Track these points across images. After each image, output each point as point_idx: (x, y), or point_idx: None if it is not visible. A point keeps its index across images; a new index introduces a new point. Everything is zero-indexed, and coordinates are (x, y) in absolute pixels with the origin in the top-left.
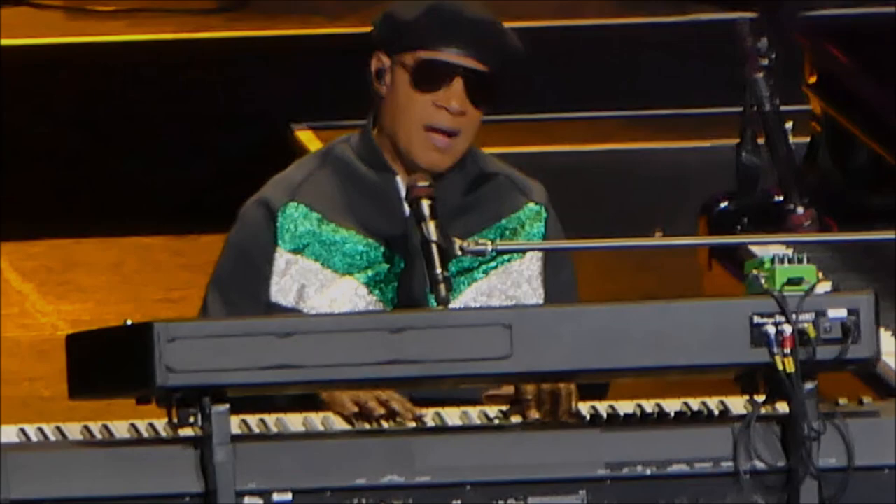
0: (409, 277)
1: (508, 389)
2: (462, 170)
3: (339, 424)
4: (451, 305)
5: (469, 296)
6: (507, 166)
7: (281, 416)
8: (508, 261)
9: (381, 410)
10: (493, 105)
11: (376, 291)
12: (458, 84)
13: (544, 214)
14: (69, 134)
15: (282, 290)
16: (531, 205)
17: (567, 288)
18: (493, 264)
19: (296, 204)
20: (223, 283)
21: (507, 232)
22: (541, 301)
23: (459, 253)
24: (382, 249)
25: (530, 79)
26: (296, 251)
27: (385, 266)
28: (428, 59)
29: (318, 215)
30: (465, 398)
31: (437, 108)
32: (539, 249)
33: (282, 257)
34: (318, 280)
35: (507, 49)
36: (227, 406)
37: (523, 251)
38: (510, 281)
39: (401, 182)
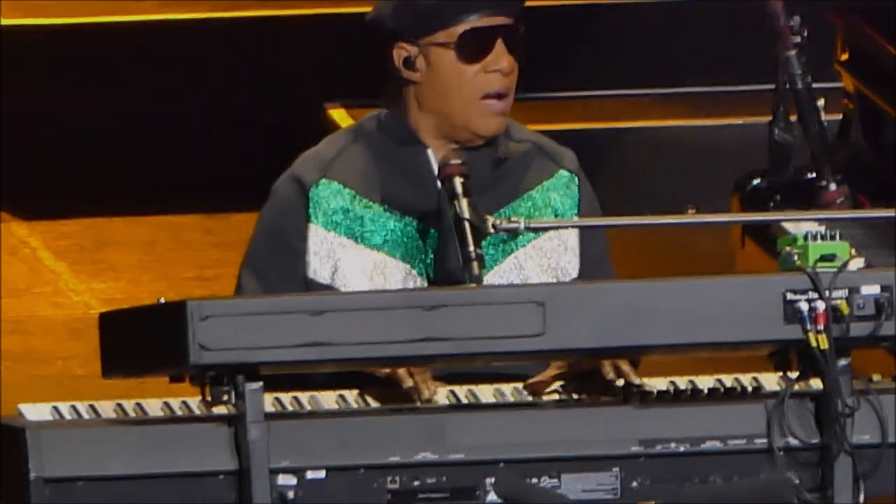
0: (444, 252)
1: (549, 374)
2: (491, 141)
3: (374, 402)
4: (489, 276)
5: (507, 266)
6: (535, 134)
7: (314, 393)
8: (543, 233)
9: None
10: (525, 54)
11: (411, 266)
12: (500, 45)
13: (576, 182)
14: (101, 113)
15: (317, 267)
16: (562, 171)
17: (600, 259)
18: (528, 236)
19: (328, 181)
20: (257, 261)
21: (541, 202)
22: (576, 272)
23: (492, 231)
24: (416, 224)
25: (564, 56)
26: (329, 227)
27: (419, 241)
28: (468, 31)
29: (351, 192)
30: (505, 374)
31: (488, 74)
32: (572, 226)
33: (315, 234)
34: (352, 256)
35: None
36: (261, 384)
37: (556, 228)
38: (546, 251)
39: (433, 156)
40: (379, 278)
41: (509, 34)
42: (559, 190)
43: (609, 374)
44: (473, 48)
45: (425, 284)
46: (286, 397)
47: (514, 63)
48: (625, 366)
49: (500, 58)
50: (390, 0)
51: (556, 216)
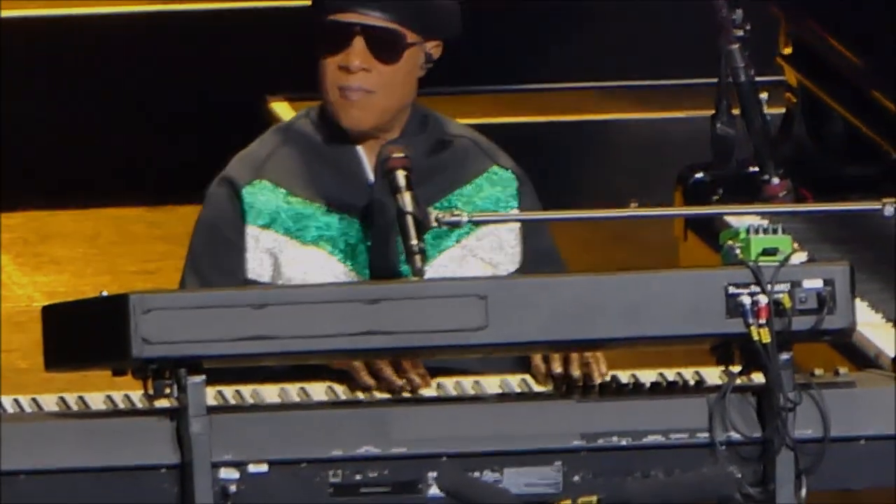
0: (379, 247)
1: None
2: (422, 134)
3: (317, 395)
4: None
5: (441, 262)
6: (472, 131)
7: (257, 387)
8: (480, 227)
9: (400, 381)
10: (406, 61)
11: (348, 262)
12: (358, 43)
13: (515, 181)
14: (44, 105)
15: (256, 266)
16: (496, 168)
17: (547, 254)
18: (465, 231)
19: (260, 181)
20: (199, 262)
21: (473, 195)
22: (516, 267)
23: (435, 224)
24: (350, 220)
25: (505, 50)
26: (264, 226)
27: (354, 237)
28: (325, 23)
29: (284, 191)
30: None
31: (341, 70)
32: (515, 220)
33: (251, 234)
34: (289, 252)
35: (412, 2)
36: (203, 377)
37: (499, 222)
38: (483, 246)
39: (363, 152)
40: (317, 274)
41: (376, 35)
42: (494, 186)
43: (556, 368)
44: (327, 42)
45: (363, 278)
46: (228, 391)
47: (375, 63)
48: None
49: (351, 55)
50: None
51: (490, 212)
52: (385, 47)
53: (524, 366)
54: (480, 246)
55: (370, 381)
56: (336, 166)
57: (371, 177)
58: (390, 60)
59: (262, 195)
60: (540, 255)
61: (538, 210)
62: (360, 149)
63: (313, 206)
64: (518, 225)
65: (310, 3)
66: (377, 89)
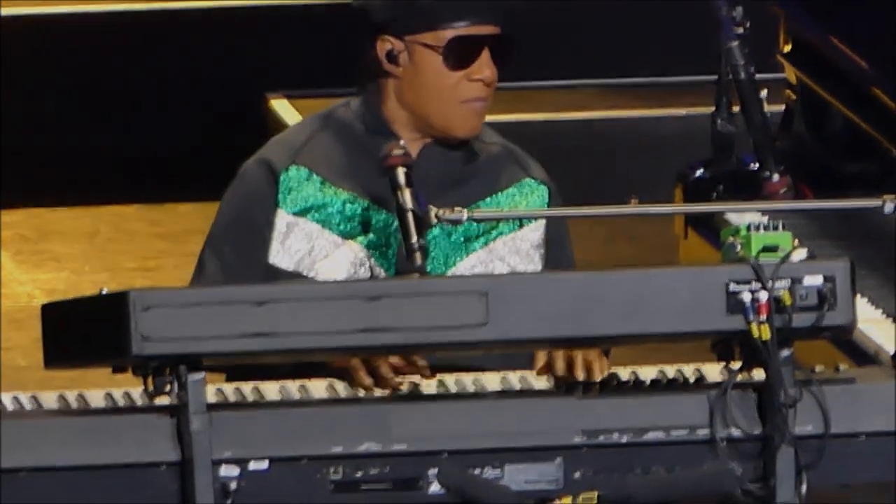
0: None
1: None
2: (464, 141)
3: (318, 392)
4: (452, 274)
5: (469, 265)
6: (506, 140)
7: (257, 383)
8: (508, 232)
9: (398, 380)
10: (512, 62)
11: (377, 256)
12: (486, 54)
13: (546, 193)
14: (43, 102)
15: (282, 254)
16: (528, 180)
17: (566, 263)
18: (493, 234)
19: (297, 167)
20: (220, 242)
21: (503, 204)
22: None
23: (435, 221)
24: (383, 213)
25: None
26: (297, 214)
27: (386, 230)
28: (456, 38)
29: (320, 178)
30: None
31: (471, 82)
32: (516, 217)
33: (283, 220)
34: (320, 243)
35: (512, 6)
36: (203, 374)
37: (500, 219)
38: (508, 251)
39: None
40: (345, 266)
41: (496, 44)
42: (525, 197)
43: (559, 370)
44: (460, 55)
45: (387, 274)
46: (229, 388)
47: (496, 73)
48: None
49: (484, 67)
50: None
51: (520, 224)
52: (504, 57)
53: (528, 362)
54: (507, 251)
55: (367, 381)
56: (374, 158)
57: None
58: (504, 67)
59: (297, 180)
60: (558, 266)
61: (565, 226)
62: (402, 143)
63: (349, 197)
64: (542, 235)
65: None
66: (490, 97)
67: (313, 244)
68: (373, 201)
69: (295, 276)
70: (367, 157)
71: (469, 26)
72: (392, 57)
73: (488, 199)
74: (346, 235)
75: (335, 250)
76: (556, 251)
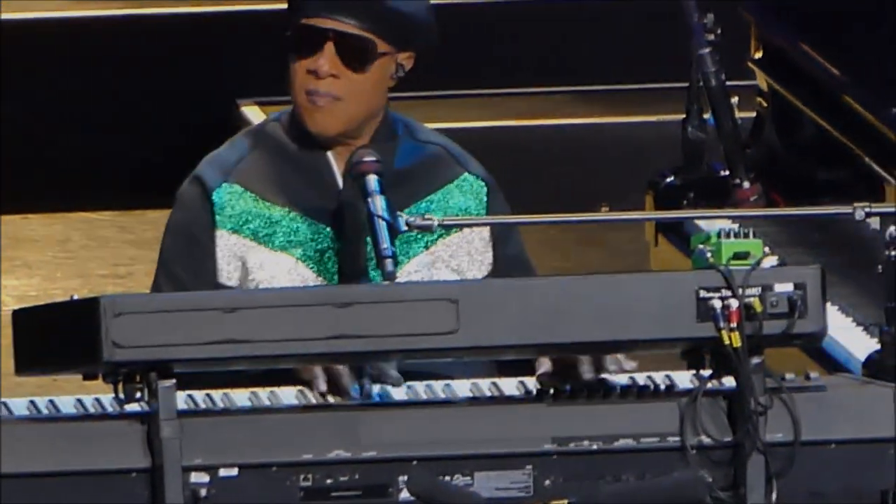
0: (348, 252)
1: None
2: (392, 140)
3: (288, 399)
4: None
5: (411, 268)
6: (443, 137)
7: (227, 391)
8: (451, 233)
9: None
10: (376, 70)
11: (314, 267)
12: (329, 49)
13: (484, 188)
14: (14, 110)
15: (225, 270)
16: (467, 175)
17: (517, 259)
18: (434, 236)
19: (230, 185)
20: (171, 264)
21: (442, 203)
22: (484, 274)
23: (406, 228)
24: (319, 226)
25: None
26: (233, 230)
27: (323, 242)
28: (298, 26)
29: (253, 195)
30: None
31: (309, 74)
32: (484, 224)
33: (221, 237)
34: (257, 257)
35: (386, 13)
36: (174, 381)
37: (469, 226)
38: (451, 252)
39: (331, 157)
40: (284, 280)
41: (347, 42)
42: (464, 194)
43: (586, 372)
44: (298, 45)
45: (332, 284)
46: (199, 395)
47: (344, 70)
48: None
49: (320, 61)
50: None
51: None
52: (355, 55)
53: (502, 369)
54: (450, 253)
55: (322, 388)
56: (306, 171)
57: (340, 183)
58: (360, 69)
59: (231, 198)
60: (510, 261)
61: (506, 214)
62: (329, 154)
63: (282, 211)
64: (488, 232)
65: (286, 5)
66: (345, 96)
67: (252, 259)
68: (307, 214)
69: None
70: (299, 170)
71: (318, 18)
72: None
73: (429, 197)
74: (284, 249)
75: (274, 264)
76: (504, 247)
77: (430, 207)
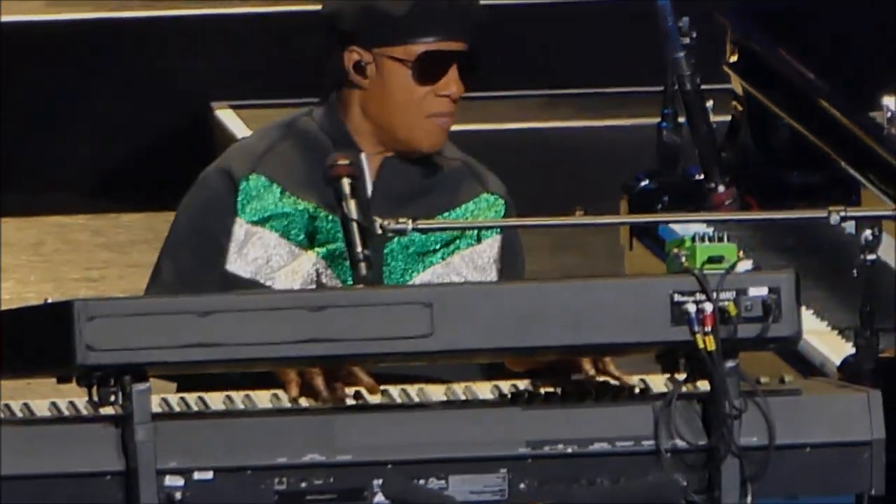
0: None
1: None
2: (425, 155)
3: (262, 402)
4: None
5: (423, 279)
6: (465, 154)
7: (202, 394)
8: (466, 247)
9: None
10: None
11: (335, 267)
12: (453, 70)
13: (502, 207)
14: None
15: (240, 262)
16: (486, 195)
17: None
18: (451, 249)
19: (257, 175)
20: (177, 248)
21: (461, 219)
22: None
23: (380, 232)
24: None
25: None
26: (257, 223)
27: (344, 242)
28: (426, 52)
29: (280, 188)
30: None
31: (438, 97)
32: (463, 228)
33: (241, 228)
34: (280, 253)
35: (480, 23)
36: (148, 384)
37: (445, 230)
38: (466, 266)
39: (365, 160)
40: (303, 276)
41: (464, 60)
42: (483, 212)
43: (589, 370)
44: (428, 71)
45: (343, 284)
46: (174, 398)
47: (462, 89)
48: (610, 364)
49: (452, 83)
50: (355, 0)
51: (478, 239)
52: (470, 72)
53: (486, 373)
54: (465, 266)
55: (294, 393)
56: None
57: (369, 184)
58: (469, 82)
59: (257, 189)
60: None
61: (519, 242)
62: (362, 155)
63: (308, 207)
64: (498, 250)
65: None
66: (455, 112)
67: (271, 253)
68: (332, 212)
69: (253, 284)
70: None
71: (438, 42)
72: (360, 68)
73: (446, 214)
74: (305, 246)
75: (293, 260)
76: (510, 265)
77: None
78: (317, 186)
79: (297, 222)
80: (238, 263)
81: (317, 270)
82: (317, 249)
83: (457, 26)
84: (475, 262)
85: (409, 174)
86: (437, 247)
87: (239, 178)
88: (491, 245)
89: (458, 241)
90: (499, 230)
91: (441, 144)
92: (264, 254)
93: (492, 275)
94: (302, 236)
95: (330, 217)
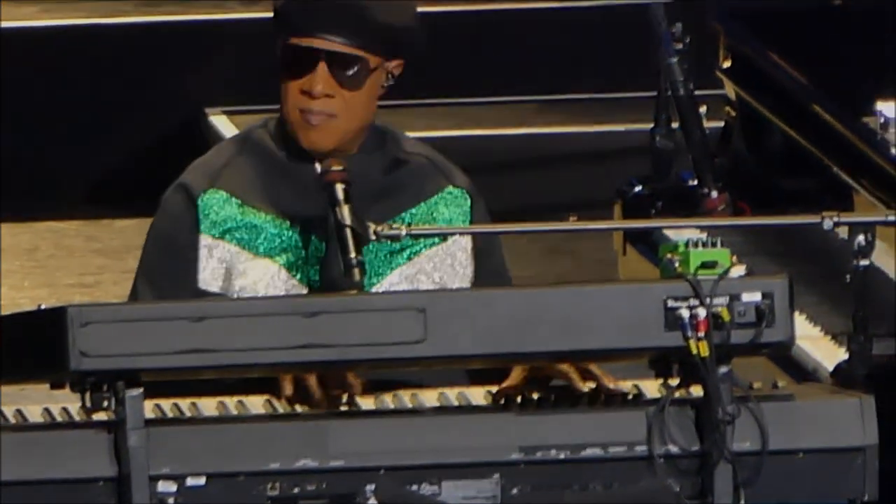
0: (330, 261)
1: (515, 377)
2: (379, 151)
3: (255, 408)
4: (376, 289)
5: (394, 279)
6: (429, 149)
7: (195, 400)
8: (433, 245)
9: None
10: (369, 84)
11: (297, 274)
12: (322, 69)
13: (468, 200)
14: None
15: (208, 276)
16: (451, 188)
17: (498, 274)
18: (417, 248)
19: (215, 190)
20: (151, 270)
21: (427, 215)
22: (468, 284)
23: (374, 238)
24: (303, 234)
25: (444, 63)
26: (217, 236)
27: (305, 249)
28: (289, 47)
29: (239, 201)
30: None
31: (303, 94)
32: (454, 233)
33: (204, 243)
34: (241, 263)
35: (375, 26)
36: (141, 390)
37: (438, 235)
38: (434, 264)
39: (319, 165)
40: (268, 287)
41: (339, 61)
42: (448, 206)
43: (576, 381)
44: (290, 65)
45: (312, 291)
46: (166, 404)
47: (338, 88)
48: (596, 369)
49: (314, 81)
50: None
51: (444, 236)
52: (348, 73)
53: (474, 378)
54: (433, 265)
55: (288, 392)
56: (293, 179)
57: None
58: (354, 86)
59: (216, 204)
60: (491, 275)
61: (492, 233)
62: (317, 164)
63: (268, 218)
64: (470, 244)
65: (273, 23)
66: (339, 113)
67: (236, 265)
68: (292, 222)
69: (219, 296)
70: (285, 177)
71: (309, 38)
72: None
73: (413, 209)
74: (268, 256)
75: (258, 271)
76: (487, 260)
77: (415, 219)
78: (274, 197)
79: (258, 233)
80: (206, 279)
81: (281, 278)
82: (278, 259)
83: (333, 24)
84: (444, 260)
85: (371, 173)
86: (403, 246)
87: (197, 193)
88: (459, 241)
89: (423, 241)
90: (467, 223)
91: (321, 144)
92: (227, 264)
93: (466, 273)
94: (263, 246)
95: (290, 227)
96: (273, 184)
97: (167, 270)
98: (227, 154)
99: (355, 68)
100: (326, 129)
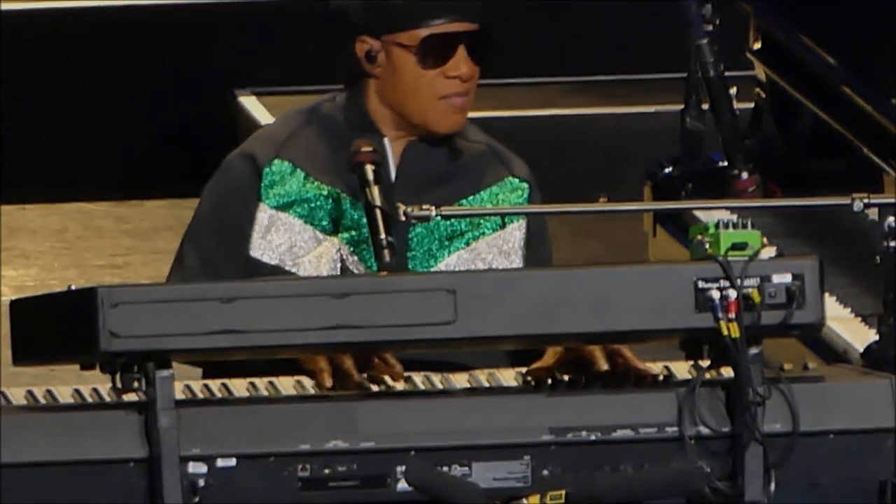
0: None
1: (548, 360)
2: (446, 136)
3: (286, 389)
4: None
5: (448, 264)
6: (490, 138)
7: (226, 381)
8: (491, 232)
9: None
10: (490, 58)
11: (359, 253)
12: (461, 51)
13: (526, 191)
14: (10, 101)
15: (264, 247)
16: (511, 178)
17: (546, 262)
18: (477, 233)
19: (280, 161)
20: (200, 235)
21: (486, 203)
22: None
23: (403, 218)
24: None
25: None
26: (280, 208)
27: (366, 227)
28: (430, 36)
29: (304, 173)
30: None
31: (448, 79)
32: (485, 214)
33: (265, 213)
34: (303, 239)
35: (478, 5)
36: (172, 371)
37: (470, 216)
38: (490, 251)
39: (388, 145)
40: (327, 262)
41: (472, 40)
42: (507, 195)
43: (602, 365)
44: (434, 54)
45: (368, 270)
46: (197, 385)
47: (475, 68)
48: (626, 351)
49: (460, 64)
50: None
51: (503, 224)
52: (481, 52)
53: (498, 360)
54: (489, 250)
55: (328, 383)
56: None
57: (393, 169)
58: (482, 63)
59: (280, 174)
60: (539, 264)
61: (544, 225)
62: (385, 140)
63: (331, 192)
64: (524, 236)
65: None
66: (471, 92)
67: (295, 239)
68: (355, 197)
69: (277, 270)
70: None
71: (443, 24)
72: (371, 57)
73: (471, 197)
74: (329, 231)
75: (317, 246)
76: (536, 249)
77: (479, 206)
78: (340, 171)
79: (321, 207)
80: (262, 249)
81: (341, 256)
82: (341, 235)
83: (460, 7)
84: (500, 247)
85: (432, 158)
86: (462, 231)
87: (262, 163)
88: (516, 229)
89: (483, 226)
90: (523, 218)
91: (459, 126)
92: (288, 239)
93: (517, 261)
94: (326, 221)
95: (354, 202)
96: (339, 158)
97: (217, 236)
98: (294, 124)
99: (485, 47)
100: (464, 109)
